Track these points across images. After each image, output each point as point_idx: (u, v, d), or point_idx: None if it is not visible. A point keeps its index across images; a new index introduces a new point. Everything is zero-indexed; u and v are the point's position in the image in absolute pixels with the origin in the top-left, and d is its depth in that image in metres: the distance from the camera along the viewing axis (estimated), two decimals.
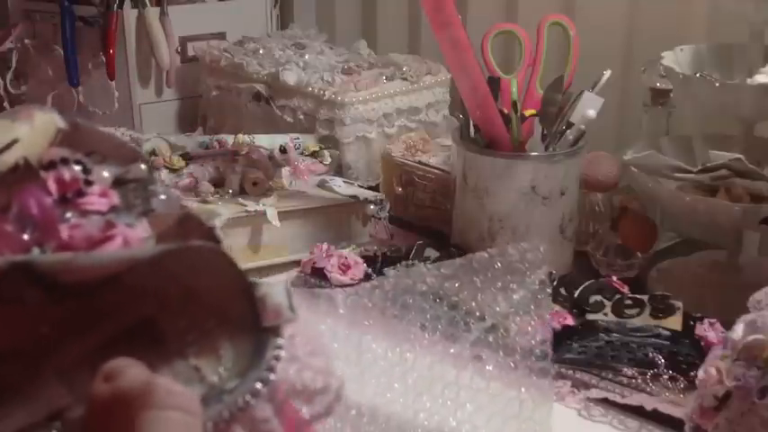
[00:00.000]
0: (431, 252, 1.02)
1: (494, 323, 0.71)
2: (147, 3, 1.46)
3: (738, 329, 0.61)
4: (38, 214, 0.38)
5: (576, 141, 1.01)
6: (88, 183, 0.41)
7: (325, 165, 1.21)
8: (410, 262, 1.00)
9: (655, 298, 0.87)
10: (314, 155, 1.22)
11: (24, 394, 0.35)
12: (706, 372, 0.61)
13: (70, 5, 1.46)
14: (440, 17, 0.95)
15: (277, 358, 0.36)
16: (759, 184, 0.89)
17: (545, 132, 1.01)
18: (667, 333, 0.82)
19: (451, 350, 0.68)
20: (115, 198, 0.42)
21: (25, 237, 0.38)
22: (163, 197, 0.43)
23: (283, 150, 1.16)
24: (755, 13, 0.93)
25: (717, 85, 0.92)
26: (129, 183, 0.44)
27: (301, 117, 1.29)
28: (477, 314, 0.71)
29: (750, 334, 0.60)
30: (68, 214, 0.40)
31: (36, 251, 0.38)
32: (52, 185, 0.40)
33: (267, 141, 1.20)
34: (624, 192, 1.09)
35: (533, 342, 0.70)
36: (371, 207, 1.09)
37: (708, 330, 0.81)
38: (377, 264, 1.00)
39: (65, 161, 0.42)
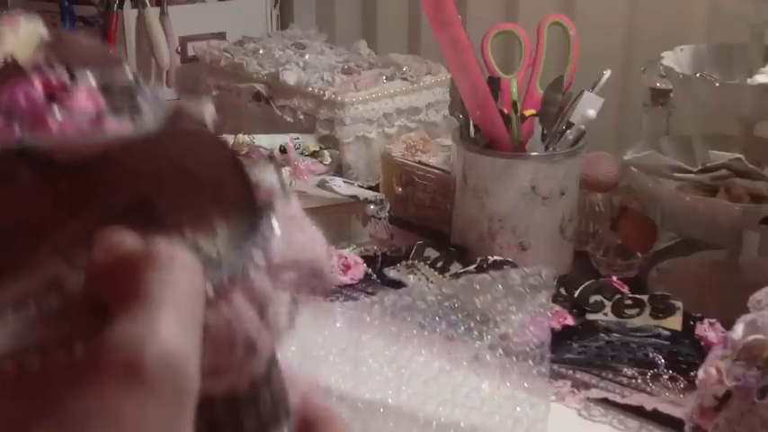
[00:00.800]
0: (431, 252, 1.02)
1: (491, 343, 0.71)
2: (147, 3, 1.46)
3: (738, 329, 0.61)
4: (27, 107, 0.39)
5: (576, 141, 1.01)
6: (74, 82, 0.42)
7: (325, 165, 1.21)
8: (410, 262, 1.00)
9: (655, 298, 0.87)
10: (314, 155, 1.22)
11: (22, 271, 0.35)
12: (706, 372, 0.61)
13: (70, 5, 1.46)
14: (440, 17, 0.95)
15: (272, 230, 0.37)
16: (759, 184, 0.89)
17: (545, 132, 1.01)
18: (667, 333, 0.82)
19: (447, 367, 0.68)
20: (101, 102, 0.42)
21: (15, 129, 0.38)
22: (150, 98, 0.44)
23: (283, 150, 1.16)
24: (755, 13, 0.93)
25: (717, 85, 0.92)
26: (115, 89, 0.44)
27: (301, 117, 1.29)
28: (476, 334, 0.72)
29: (750, 334, 0.60)
30: (57, 111, 0.40)
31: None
32: (38, 86, 0.40)
33: (267, 141, 1.20)
34: (624, 192, 1.09)
35: (530, 363, 0.70)
36: (371, 207, 1.09)
37: (708, 330, 0.81)
38: (377, 264, 1.00)
39: (50, 64, 0.42)
